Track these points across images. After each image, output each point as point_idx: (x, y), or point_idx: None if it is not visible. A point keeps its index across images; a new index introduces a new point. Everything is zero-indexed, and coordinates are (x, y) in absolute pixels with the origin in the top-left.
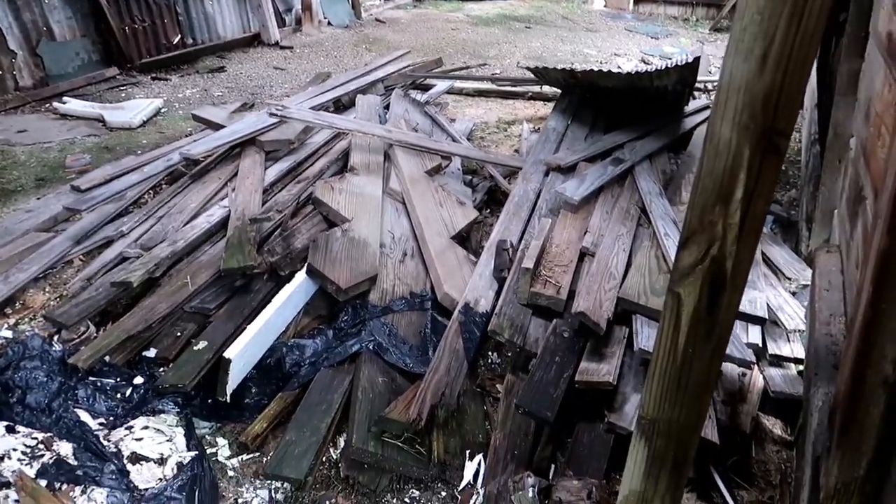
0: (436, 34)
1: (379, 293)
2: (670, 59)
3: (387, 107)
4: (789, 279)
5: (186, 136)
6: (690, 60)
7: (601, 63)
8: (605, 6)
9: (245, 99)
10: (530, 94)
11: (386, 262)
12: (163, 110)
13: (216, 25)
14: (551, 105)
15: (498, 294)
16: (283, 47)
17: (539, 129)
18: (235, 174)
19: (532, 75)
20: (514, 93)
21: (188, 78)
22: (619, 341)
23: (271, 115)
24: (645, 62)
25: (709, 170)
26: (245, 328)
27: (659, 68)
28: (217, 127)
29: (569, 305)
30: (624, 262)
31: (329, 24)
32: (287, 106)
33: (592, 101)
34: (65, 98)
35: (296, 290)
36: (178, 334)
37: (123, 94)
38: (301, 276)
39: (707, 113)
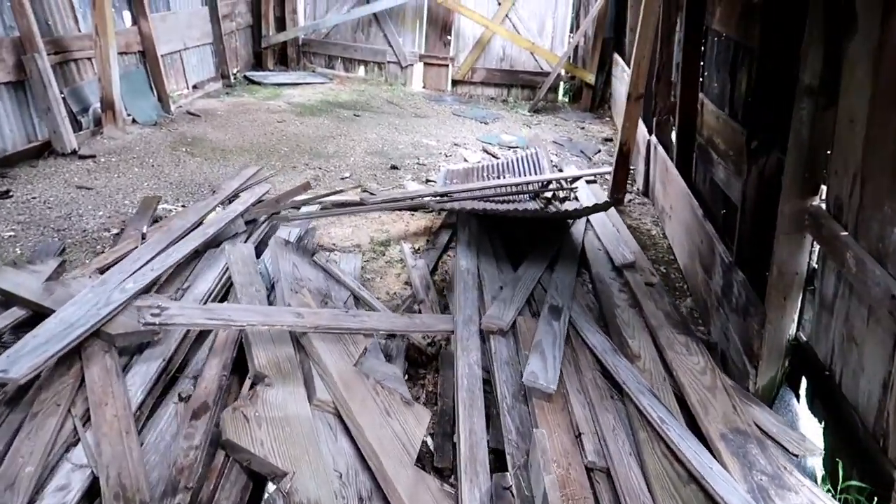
0: (262, 129)
1: None
2: (511, 148)
3: (259, 242)
4: (795, 455)
5: None
6: (601, 203)
7: (447, 157)
8: (423, 87)
9: (48, 239)
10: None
11: None
12: None
13: None
14: (419, 216)
15: None
16: (82, 156)
17: (420, 249)
18: (80, 389)
19: (413, 197)
20: (362, 200)
21: None
22: None
23: (147, 325)
24: (487, 152)
25: None
26: None
27: (568, 210)
28: (27, 305)
29: None
30: (641, 477)
31: (134, 121)
32: (165, 306)
33: (489, 224)
34: None
35: None
36: None
37: None
38: None
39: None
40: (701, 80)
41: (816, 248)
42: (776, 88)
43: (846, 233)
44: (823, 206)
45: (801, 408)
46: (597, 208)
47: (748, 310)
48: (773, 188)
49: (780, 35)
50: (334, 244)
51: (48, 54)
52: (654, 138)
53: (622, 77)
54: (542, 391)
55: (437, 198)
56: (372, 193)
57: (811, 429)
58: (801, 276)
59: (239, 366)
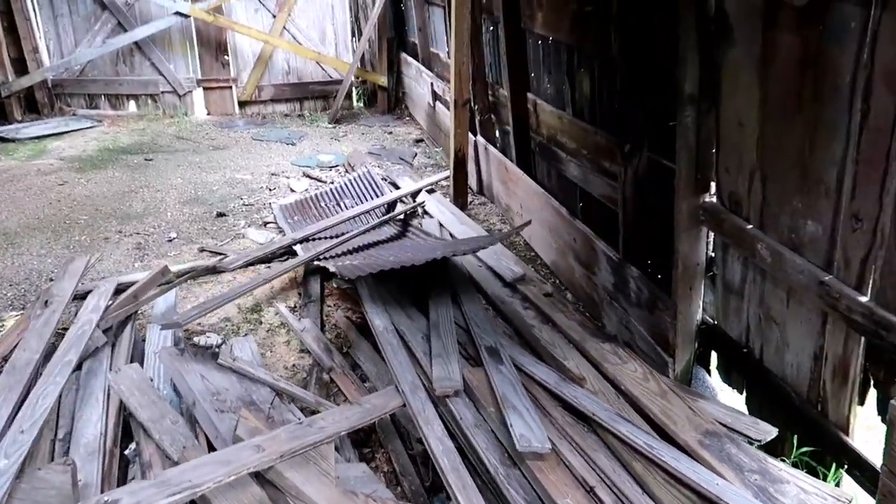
0: (43, 197)
1: None
2: (332, 167)
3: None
4: (757, 441)
5: None
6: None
7: (271, 191)
8: (209, 114)
9: None
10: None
11: None
12: None
13: None
14: (275, 267)
15: None
16: None
17: (296, 306)
18: None
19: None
20: (215, 268)
21: None
22: None
23: None
24: (310, 177)
25: None
26: None
27: (455, 252)
28: None
29: None
30: None
31: None
32: (114, 499)
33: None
34: None
35: None
36: None
37: None
38: None
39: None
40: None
41: (711, 238)
42: (643, 95)
43: (751, 226)
44: (716, 201)
45: (715, 381)
46: (490, 240)
47: (655, 304)
48: (649, 185)
49: (643, 46)
50: (199, 324)
51: None
52: (480, 139)
53: (416, 76)
54: (538, 453)
55: (300, 244)
56: (220, 253)
57: (731, 399)
58: (701, 266)
59: None
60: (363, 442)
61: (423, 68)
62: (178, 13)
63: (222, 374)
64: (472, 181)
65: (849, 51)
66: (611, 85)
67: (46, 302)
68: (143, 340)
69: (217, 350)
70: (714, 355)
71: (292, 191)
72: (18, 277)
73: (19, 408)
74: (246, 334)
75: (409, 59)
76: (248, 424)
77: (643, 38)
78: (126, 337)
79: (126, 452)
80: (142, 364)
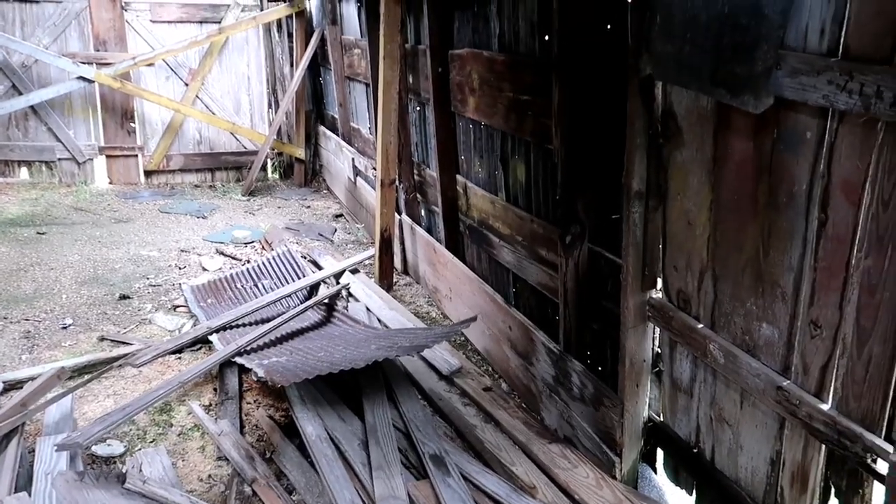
0: None
1: None
2: (248, 244)
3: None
4: None
5: None
6: (437, 339)
7: (181, 269)
8: (111, 183)
9: None
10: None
11: None
12: None
13: None
14: (187, 357)
15: None
16: None
17: (212, 405)
18: None
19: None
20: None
21: None
22: None
23: None
24: (224, 254)
25: None
26: None
27: (397, 352)
28: None
29: None
30: None
31: None
32: None
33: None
34: None
35: None
36: None
37: None
38: None
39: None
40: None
41: (657, 334)
42: (585, 186)
43: (701, 325)
44: (664, 297)
45: (661, 479)
46: (434, 338)
47: (601, 400)
48: (591, 277)
49: (586, 138)
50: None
51: None
52: (405, 218)
53: (336, 150)
54: None
55: (215, 333)
56: (123, 342)
57: (680, 501)
58: (648, 363)
59: None
60: None
61: (343, 143)
62: (81, 77)
63: (131, 502)
64: (398, 261)
65: (805, 160)
66: (549, 173)
67: None
68: (32, 454)
69: (122, 468)
70: (661, 453)
71: (205, 269)
72: None
73: None
74: (154, 440)
75: (329, 132)
76: None
77: (586, 131)
78: (10, 454)
79: None
80: (29, 490)
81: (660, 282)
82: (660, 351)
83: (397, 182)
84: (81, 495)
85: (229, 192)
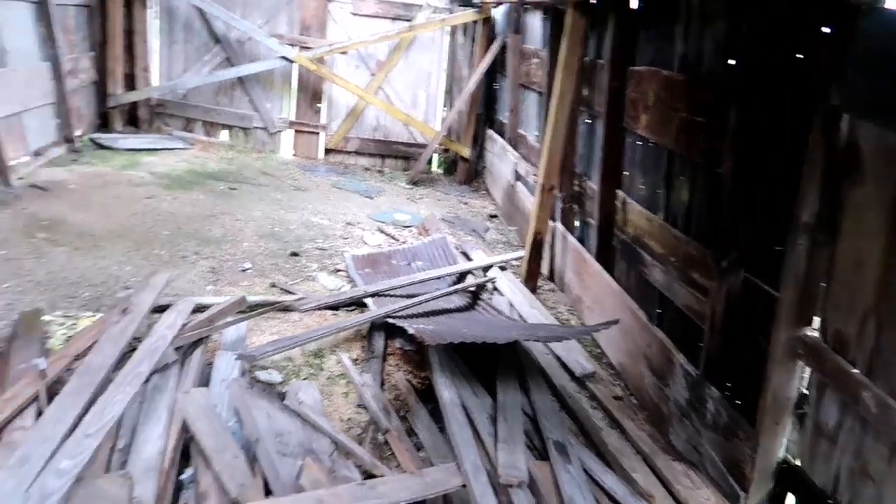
0: (130, 207)
1: None
2: (406, 227)
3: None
4: None
5: None
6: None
7: (345, 239)
8: (294, 155)
9: None
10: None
11: None
12: None
13: None
14: (343, 315)
15: None
16: None
17: (358, 359)
18: None
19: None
20: (281, 301)
21: None
22: None
23: None
24: (384, 232)
25: None
26: None
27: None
28: None
29: None
30: None
31: None
32: None
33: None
34: None
35: None
36: None
37: None
38: None
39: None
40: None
41: (806, 373)
42: (749, 214)
43: (857, 371)
44: (818, 335)
45: None
46: (575, 332)
47: (735, 432)
48: (742, 306)
49: (758, 165)
50: (263, 360)
51: None
52: (559, 225)
53: (500, 154)
54: None
55: (371, 298)
56: (289, 292)
57: None
58: (791, 401)
59: None
60: None
61: (508, 147)
62: (283, 57)
63: (286, 417)
64: (545, 266)
65: None
66: (712, 197)
67: (125, 310)
68: (210, 366)
69: (281, 390)
70: (791, 498)
71: (365, 243)
72: (97, 280)
73: (86, 411)
74: (306, 378)
75: (495, 136)
76: (312, 474)
77: (759, 157)
78: (196, 359)
79: (182, 477)
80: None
81: (816, 320)
82: (806, 392)
83: (556, 190)
84: (250, 400)
85: (395, 179)
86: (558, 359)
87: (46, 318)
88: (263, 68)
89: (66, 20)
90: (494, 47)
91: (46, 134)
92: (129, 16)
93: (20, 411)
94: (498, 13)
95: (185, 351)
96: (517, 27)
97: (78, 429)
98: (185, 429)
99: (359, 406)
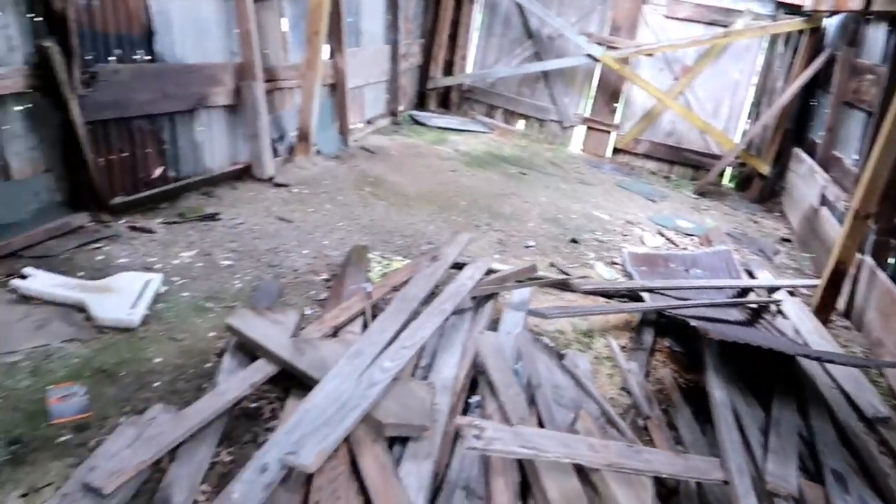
0: (436, 176)
1: None
2: (688, 235)
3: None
4: None
5: (217, 355)
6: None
7: (624, 236)
8: (582, 150)
9: (262, 275)
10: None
11: None
12: (159, 290)
13: (203, 156)
14: (614, 303)
15: None
16: (277, 184)
17: (626, 347)
18: (350, 478)
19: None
20: (567, 283)
21: (176, 229)
22: None
23: (470, 449)
24: (663, 236)
25: None
26: None
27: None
28: (275, 361)
29: None
30: None
31: (318, 152)
32: (483, 427)
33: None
34: (26, 270)
35: None
36: None
37: (100, 257)
38: None
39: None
40: None
41: None
42: None
43: None
44: None
45: None
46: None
47: None
48: None
49: None
50: (536, 326)
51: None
52: (867, 259)
53: (806, 175)
54: None
55: (647, 293)
56: (566, 273)
57: None
58: None
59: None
60: (664, 499)
61: (816, 168)
62: (589, 55)
63: (562, 375)
64: (841, 300)
65: None
66: None
67: (434, 258)
68: (495, 322)
69: (560, 352)
70: None
71: (643, 243)
72: (407, 232)
73: (402, 329)
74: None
75: (803, 155)
76: (585, 424)
77: None
78: (487, 310)
79: (470, 400)
80: None
81: None
82: None
83: (872, 220)
84: (535, 351)
85: (681, 187)
86: (846, 396)
87: (368, 255)
88: (568, 64)
89: (407, 10)
90: (819, 60)
91: (377, 106)
92: (458, 9)
93: (352, 320)
94: (830, 24)
95: (478, 302)
96: (852, 39)
97: (396, 341)
98: (473, 364)
99: (622, 389)
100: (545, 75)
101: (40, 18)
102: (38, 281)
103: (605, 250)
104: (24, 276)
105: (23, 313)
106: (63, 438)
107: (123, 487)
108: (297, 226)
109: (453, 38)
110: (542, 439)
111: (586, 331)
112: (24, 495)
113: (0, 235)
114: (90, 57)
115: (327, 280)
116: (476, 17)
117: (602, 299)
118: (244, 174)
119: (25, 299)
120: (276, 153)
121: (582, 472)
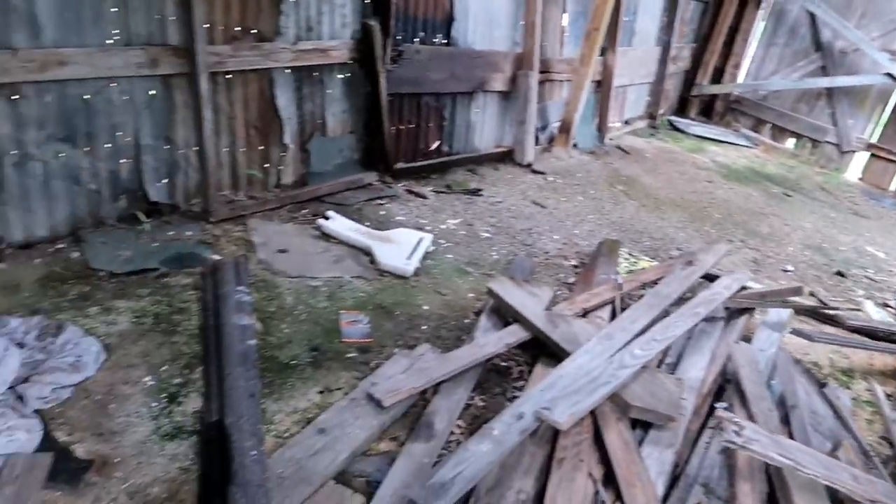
0: (691, 185)
1: None
2: None
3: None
4: None
5: (475, 313)
6: None
7: None
8: (860, 179)
9: (516, 251)
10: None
11: None
12: (429, 248)
13: (474, 136)
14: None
15: None
16: (535, 171)
17: (891, 395)
18: (594, 448)
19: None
20: (830, 315)
21: (444, 198)
22: None
23: (727, 443)
24: None
25: None
26: None
27: None
28: (529, 329)
29: None
30: None
31: (575, 146)
32: (742, 425)
33: None
34: (328, 213)
35: None
36: None
37: (382, 212)
38: None
39: None
40: None
41: None
42: None
43: None
44: None
45: None
46: None
47: None
48: None
49: None
50: (790, 352)
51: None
52: None
53: None
54: None
55: None
56: (827, 305)
57: None
58: None
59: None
60: None
61: None
62: (888, 75)
63: (821, 403)
64: None
65: None
66: None
67: (689, 262)
68: (747, 340)
69: (821, 381)
70: None
71: None
72: (657, 235)
73: (652, 323)
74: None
75: None
76: (848, 455)
77: None
78: (739, 324)
79: (716, 405)
80: None
81: None
82: None
83: None
84: (794, 370)
85: None
86: None
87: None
88: (861, 82)
89: (685, 13)
90: None
91: (637, 107)
92: (739, 15)
93: (600, 306)
94: None
95: (730, 314)
96: None
97: (647, 333)
98: (722, 372)
99: (882, 438)
100: (829, 92)
101: (369, 0)
102: (338, 223)
103: (876, 290)
104: (326, 218)
105: (323, 248)
106: (350, 355)
107: (398, 405)
108: (549, 212)
109: (728, 44)
110: (801, 454)
111: (846, 369)
112: (321, 392)
113: (312, 181)
114: (400, 37)
115: (575, 266)
116: (758, 25)
117: (869, 340)
118: (506, 157)
119: (325, 237)
120: (537, 141)
121: (835, 502)
